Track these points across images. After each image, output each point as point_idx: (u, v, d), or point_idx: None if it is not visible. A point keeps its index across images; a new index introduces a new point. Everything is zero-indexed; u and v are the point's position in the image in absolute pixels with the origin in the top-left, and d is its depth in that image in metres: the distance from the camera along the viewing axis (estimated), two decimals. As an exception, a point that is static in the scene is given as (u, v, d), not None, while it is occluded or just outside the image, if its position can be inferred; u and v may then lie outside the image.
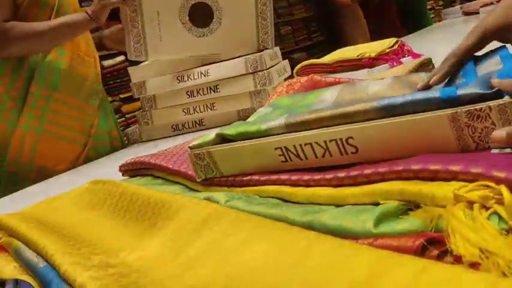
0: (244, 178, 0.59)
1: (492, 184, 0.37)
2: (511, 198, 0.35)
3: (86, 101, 1.38)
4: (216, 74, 1.30)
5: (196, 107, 1.34)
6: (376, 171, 0.46)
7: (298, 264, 0.37)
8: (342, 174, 0.49)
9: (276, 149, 0.55)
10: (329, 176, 0.50)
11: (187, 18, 1.31)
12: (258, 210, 0.50)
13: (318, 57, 1.55)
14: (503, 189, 0.36)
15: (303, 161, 0.54)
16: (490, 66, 0.56)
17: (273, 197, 0.55)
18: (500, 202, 0.36)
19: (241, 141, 0.58)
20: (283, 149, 0.54)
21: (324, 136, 0.51)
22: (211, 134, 0.62)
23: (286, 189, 0.53)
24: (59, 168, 1.27)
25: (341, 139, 0.50)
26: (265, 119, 0.60)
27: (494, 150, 0.43)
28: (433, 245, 0.35)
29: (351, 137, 0.49)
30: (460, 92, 0.43)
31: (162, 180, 0.76)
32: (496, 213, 0.36)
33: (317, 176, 0.51)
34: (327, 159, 0.52)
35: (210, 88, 1.31)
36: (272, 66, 1.33)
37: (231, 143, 0.59)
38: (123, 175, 0.88)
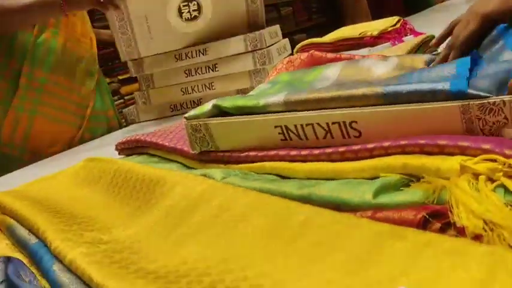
0: (242, 154, 0.57)
1: (500, 158, 0.36)
2: (521, 171, 0.34)
3: (81, 82, 1.35)
4: (214, 53, 1.27)
5: (194, 86, 1.32)
6: (380, 145, 0.45)
7: (295, 238, 0.36)
8: (342, 148, 0.48)
9: (276, 127, 0.54)
10: (329, 150, 0.48)
11: (176, 14, 1.29)
12: (254, 185, 0.49)
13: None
14: (513, 162, 0.35)
15: (302, 141, 0.52)
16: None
17: (270, 174, 0.54)
18: (508, 175, 0.35)
19: (240, 116, 0.57)
20: (283, 128, 0.53)
21: (327, 118, 0.50)
22: (208, 105, 0.60)
23: (283, 165, 0.52)
24: (53, 150, 1.25)
25: (344, 122, 0.49)
26: (264, 95, 0.58)
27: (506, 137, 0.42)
28: (436, 218, 0.34)
29: (355, 121, 0.48)
30: (471, 90, 0.42)
31: (158, 158, 0.75)
32: (501, 186, 0.35)
33: (316, 151, 0.50)
34: (328, 141, 0.51)
35: (209, 67, 1.29)
36: (272, 45, 1.30)
37: (230, 117, 0.58)
38: (119, 154, 0.87)
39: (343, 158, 0.47)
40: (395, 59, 0.66)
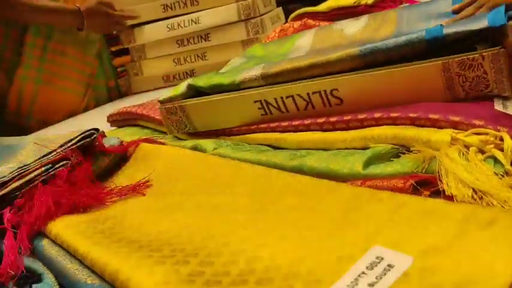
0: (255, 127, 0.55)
1: (492, 131, 0.36)
2: (511, 144, 0.34)
3: (83, 49, 1.35)
4: (207, 22, 1.25)
5: (187, 57, 1.30)
6: (371, 116, 0.44)
7: (275, 203, 0.36)
8: (334, 118, 0.47)
9: (255, 102, 0.53)
10: (320, 120, 0.48)
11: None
12: (246, 156, 0.48)
13: (314, 9, 1.49)
14: (505, 135, 0.35)
15: (284, 114, 0.52)
16: None
17: (261, 144, 0.54)
18: (499, 148, 0.35)
19: (217, 95, 0.55)
20: (263, 102, 0.52)
21: (307, 88, 0.49)
22: (182, 85, 0.58)
23: (275, 136, 0.52)
24: (58, 119, 1.26)
25: (325, 91, 0.48)
26: (240, 70, 0.57)
27: (497, 107, 0.41)
28: (424, 187, 0.34)
29: (336, 89, 0.48)
30: (447, 30, 0.42)
31: (151, 130, 0.74)
32: (491, 157, 0.35)
33: (307, 121, 0.49)
34: (309, 112, 0.50)
35: (201, 37, 1.26)
36: (265, 13, 1.28)
37: (206, 97, 0.56)
38: (111, 125, 0.86)
39: (334, 128, 0.47)
40: (366, 17, 0.65)
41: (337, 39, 0.62)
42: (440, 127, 0.39)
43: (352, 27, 0.63)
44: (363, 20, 0.64)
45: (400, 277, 0.24)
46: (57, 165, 0.48)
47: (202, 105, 0.56)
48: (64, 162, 0.49)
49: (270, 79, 0.52)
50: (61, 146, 0.50)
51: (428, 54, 0.43)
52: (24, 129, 1.16)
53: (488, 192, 0.30)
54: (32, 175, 0.47)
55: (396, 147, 0.41)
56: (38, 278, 0.38)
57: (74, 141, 0.51)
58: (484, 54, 0.40)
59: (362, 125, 0.45)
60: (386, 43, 0.44)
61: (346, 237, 0.29)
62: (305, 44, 0.65)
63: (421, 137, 0.39)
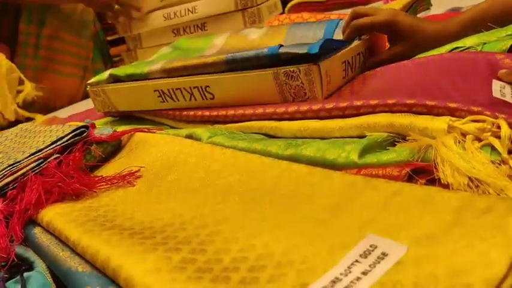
0: (228, 113, 0.56)
1: (489, 118, 0.35)
2: (508, 131, 0.33)
3: (77, 33, 1.36)
4: (203, 11, 1.23)
5: None
6: (367, 103, 0.44)
7: (269, 191, 0.36)
8: (330, 105, 0.47)
9: (155, 91, 0.64)
10: (316, 106, 0.47)
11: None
12: (241, 145, 0.48)
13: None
14: (502, 122, 0.34)
15: (175, 102, 0.63)
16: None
17: (257, 133, 0.53)
18: (496, 135, 0.34)
19: (129, 82, 0.67)
20: (160, 92, 0.63)
21: (190, 83, 0.60)
22: (106, 73, 0.71)
23: (270, 124, 0.51)
24: (59, 104, 1.28)
25: (201, 87, 0.59)
26: (157, 60, 0.68)
27: (495, 94, 0.41)
28: (420, 175, 0.33)
29: (208, 86, 0.58)
30: (281, 50, 0.51)
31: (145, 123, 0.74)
32: (488, 145, 0.34)
33: (304, 107, 0.49)
34: (193, 102, 0.61)
35: (197, 26, 1.25)
36: (262, 3, 1.26)
37: (121, 83, 0.68)
38: (105, 116, 0.85)
39: (330, 115, 0.47)
40: (266, 28, 0.78)
41: (243, 42, 0.75)
42: (438, 114, 0.39)
43: (254, 34, 0.76)
44: (264, 29, 0.77)
45: (394, 266, 0.24)
46: (49, 159, 0.48)
47: (117, 90, 0.69)
48: (55, 156, 0.49)
49: (167, 72, 0.62)
50: (53, 143, 0.51)
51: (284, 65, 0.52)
52: (28, 117, 1.19)
53: (484, 181, 0.30)
54: (24, 170, 0.47)
55: (392, 135, 0.40)
56: (30, 266, 0.38)
57: (65, 139, 0.52)
58: (300, 68, 0.50)
59: (358, 112, 0.45)
60: (242, 54, 0.54)
61: (340, 226, 0.29)
62: (219, 44, 0.78)
63: (417, 125, 0.38)
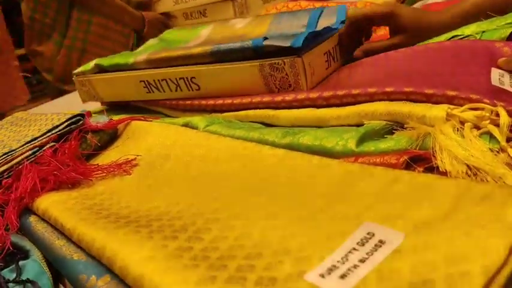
0: (225, 101, 0.56)
1: (488, 106, 0.35)
2: (507, 119, 0.33)
3: (121, 21, 1.46)
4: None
5: None
6: (365, 91, 0.43)
7: (267, 180, 0.35)
8: (328, 93, 0.46)
9: (140, 81, 0.64)
10: (314, 95, 0.47)
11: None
12: (238, 133, 0.47)
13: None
14: (501, 110, 0.34)
15: (161, 93, 0.63)
16: (327, 22, 0.65)
17: (254, 122, 0.53)
18: (495, 123, 0.34)
19: (115, 72, 0.67)
20: (146, 82, 0.64)
21: (176, 74, 0.60)
22: (91, 63, 0.71)
23: (268, 113, 0.51)
24: None
25: (187, 78, 0.59)
26: (144, 51, 0.71)
27: (494, 83, 0.41)
28: (418, 163, 0.33)
29: (194, 77, 0.59)
30: (266, 42, 0.51)
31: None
32: (486, 133, 0.34)
33: (301, 96, 0.48)
34: (179, 93, 0.61)
35: (200, 12, 1.31)
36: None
37: (107, 73, 0.68)
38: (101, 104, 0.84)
39: (328, 103, 0.46)
40: (251, 18, 0.78)
41: (229, 32, 0.75)
42: (436, 102, 0.38)
43: (240, 24, 0.77)
44: (248, 19, 0.78)
45: (391, 253, 0.24)
46: (44, 147, 0.48)
47: (103, 80, 0.69)
48: (51, 144, 0.49)
49: (152, 63, 0.63)
50: (48, 131, 0.51)
51: (268, 56, 0.52)
52: (66, 94, 1.31)
53: (482, 169, 0.30)
54: (19, 158, 0.47)
55: (390, 123, 0.40)
56: (25, 255, 0.38)
57: (60, 128, 0.51)
58: (285, 60, 0.51)
59: (356, 100, 0.44)
60: (227, 46, 0.54)
61: (337, 214, 0.28)
62: (205, 34, 0.79)
63: (415, 113, 0.38)
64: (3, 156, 0.47)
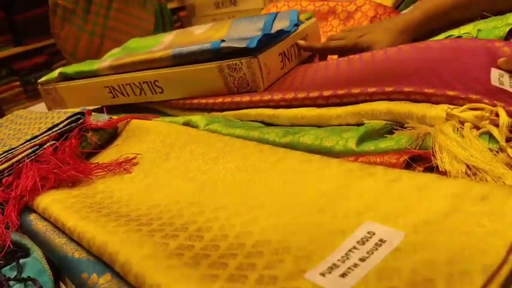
0: (225, 100, 0.56)
1: (487, 106, 0.35)
2: (507, 119, 0.33)
3: (142, 8, 1.51)
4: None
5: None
6: (365, 91, 0.44)
7: (267, 178, 0.35)
8: (328, 92, 0.46)
9: (105, 87, 0.66)
10: (314, 94, 0.47)
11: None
12: (238, 132, 0.48)
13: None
14: (501, 110, 0.34)
15: (126, 98, 0.65)
16: (281, 25, 0.67)
17: (254, 121, 0.53)
18: (494, 123, 0.34)
19: (80, 80, 0.69)
20: (111, 88, 0.66)
21: (139, 78, 0.62)
22: (55, 72, 0.73)
23: (267, 112, 0.51)
24: None
25: (150, 81, 0.61)
26: (107, 58, 0.72)
27: (494, 82, 0.41)
28: (418, 162, 0.33)
29: (157, 80, 0.61)
30: (223, 44, 0.54)
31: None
32: (486, 133, 0.34)
33: (301, 95, 0.48)
34: (143, 97, 0.64)
35: (231, 1, 1.40)
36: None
37: (72, 81, 0.70)
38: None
39: (328, 103, 0.46)
40: (212, 23, 0.82)
41: (189, 38, 0.77)
42: (436, 102, 0.39)
43: (200, 30, 0.80)
44: (208, 26, 0.81)
45: (391, 252, 0.24)
46: (45, 146, 0.48)
47: (68, 88, 0.71)
48: (51, 142, 0.49)
49: (115, 69, 0.64)
50: (49, 129, 0.51)
51: (227, 58, 0.55)
52: None
53: (482, 169, 0.30)
54: (20, 156, 0.47)
55: (390, 123, 0.40)
56: (26, 253, 0.38)
57: (60, 126, 0.52)
58: (242, 60, 0.53)
59: (356, 99, 0.44)
60: (188, 49, 0.57)
61: (338, 213, 0.29)
62: (167, 41, 0.81)
63: (415, 112, 0.38)
64: (4, 155, 0.47)
